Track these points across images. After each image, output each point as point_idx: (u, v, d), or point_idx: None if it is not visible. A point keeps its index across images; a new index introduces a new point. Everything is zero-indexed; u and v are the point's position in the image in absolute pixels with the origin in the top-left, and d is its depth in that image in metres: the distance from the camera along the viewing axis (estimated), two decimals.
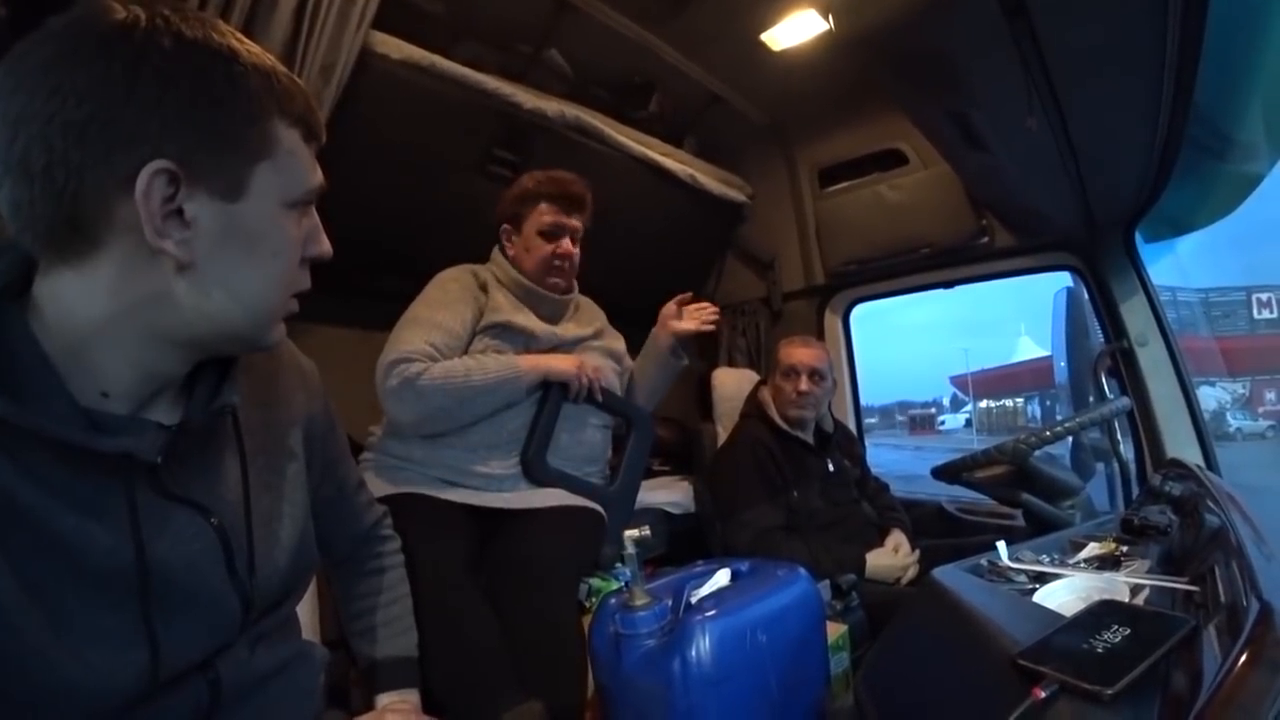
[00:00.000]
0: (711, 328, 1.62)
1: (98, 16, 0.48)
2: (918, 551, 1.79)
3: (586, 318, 1.62)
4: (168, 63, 0.48)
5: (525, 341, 1.45)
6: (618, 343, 1.65)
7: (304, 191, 0.58)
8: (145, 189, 0.48)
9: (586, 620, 1.16)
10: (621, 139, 2.06)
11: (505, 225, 1.54)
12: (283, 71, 0.56)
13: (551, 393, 1.42)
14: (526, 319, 1.47)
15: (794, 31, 1.92)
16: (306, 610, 1.08)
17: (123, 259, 0.50)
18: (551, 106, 1.84)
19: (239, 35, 0.54)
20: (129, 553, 0.52)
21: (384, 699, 0.83)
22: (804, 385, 1.88)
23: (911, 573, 1.73)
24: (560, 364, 1.42)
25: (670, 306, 1.61)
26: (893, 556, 1.75)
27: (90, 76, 0.47)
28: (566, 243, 1.49)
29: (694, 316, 1.60)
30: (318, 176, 0.60)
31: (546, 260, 1.48)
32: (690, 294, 1.64)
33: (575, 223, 1.51)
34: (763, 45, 1.99)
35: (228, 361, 0.63)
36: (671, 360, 1.63)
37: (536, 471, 1.39)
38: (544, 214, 1.48)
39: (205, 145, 0.51)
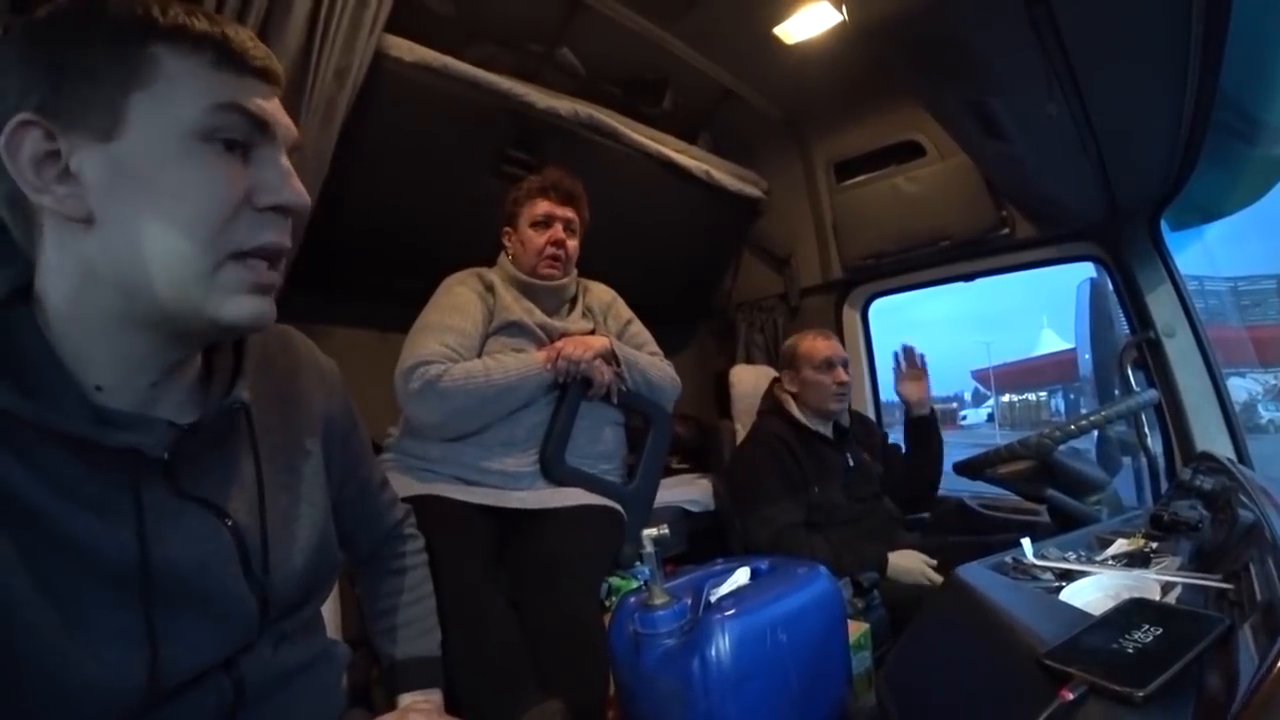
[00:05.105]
0: None
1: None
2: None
3: (593, 304, 1.64)
4: (37, 22, 0.49)
5: (538, 338, 1.47)
6: (630, 325, 1.66)
7: (202, 114, 0.51)
8: (5, 144, 0.48)
9: (606, 619, 1.16)
10: (635, 136, 2.06)
11: (506, 228, 1.59)
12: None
13: (569, 391, 1.42)
14: (533, 315, 1.50)
15: (807, 25, 1.91)
16: (328, 609, 1.08)
17: (54, 233, 0.51)
18: (564, 105, 1.85)
19: None
20: (134, 551, 0.52)
21: (406, 699, 0.83)
22: (843, 375, 1.89)
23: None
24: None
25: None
26: (915, 557, 1.72)
27: None
28: (559, 229, 1.53)
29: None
30: (228, 94, 0.52)
31: (540, 249, 1.52)
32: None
33: (567, 213, 1.55)
34: (776, 39, 1.98)
35: (241, 358, 0.63)
36: None
37: (555, 471, 1.39)
38: (537, 206, 1.54)
39: (64, 86, 0.48)
